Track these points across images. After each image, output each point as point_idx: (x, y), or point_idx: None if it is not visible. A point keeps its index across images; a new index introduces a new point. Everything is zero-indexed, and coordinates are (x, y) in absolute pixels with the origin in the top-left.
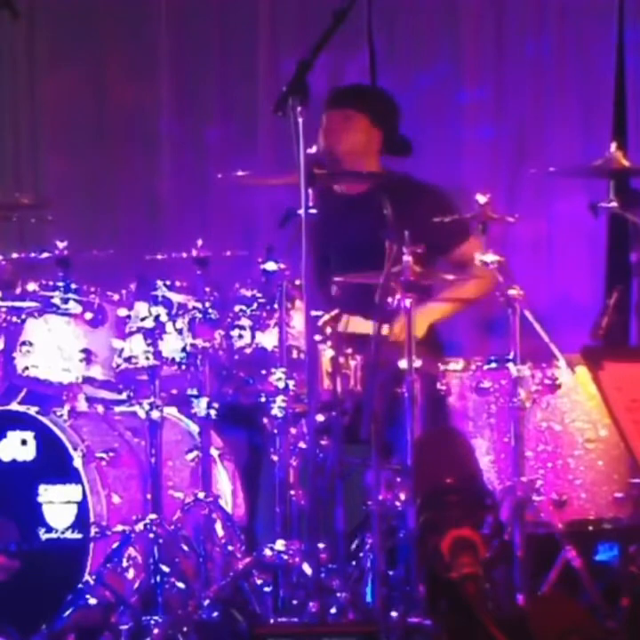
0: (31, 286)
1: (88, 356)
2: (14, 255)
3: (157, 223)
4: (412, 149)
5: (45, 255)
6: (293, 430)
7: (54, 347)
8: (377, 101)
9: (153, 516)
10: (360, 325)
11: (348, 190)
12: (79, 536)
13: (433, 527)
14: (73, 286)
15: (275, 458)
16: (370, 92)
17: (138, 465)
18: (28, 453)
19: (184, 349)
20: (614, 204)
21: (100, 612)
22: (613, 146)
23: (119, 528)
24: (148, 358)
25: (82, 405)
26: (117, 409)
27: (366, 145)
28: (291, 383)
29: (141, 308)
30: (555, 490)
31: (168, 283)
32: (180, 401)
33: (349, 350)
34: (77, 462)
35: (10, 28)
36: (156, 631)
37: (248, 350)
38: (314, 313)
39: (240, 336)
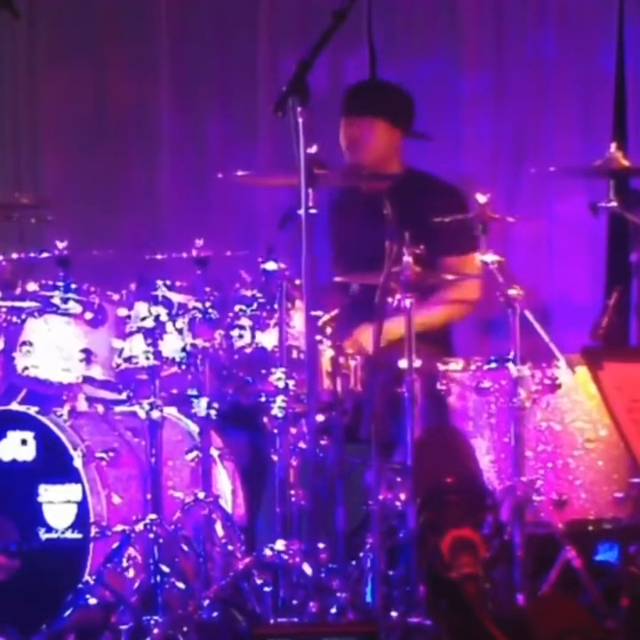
0: (31, 286)
1: (88, 356)
2: (14, 255)
3: (157, 223)
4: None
5: (45, 255)
6: (293, 430)
7: (54, 347)
8: (394, 102)
9: (153, 516)
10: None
11: (369, 189)
12: (79, 536)
13: (433, 527)
14: (73, 286)
15: (275, 458)
16: (386, 93)
17: (138, 465)
18: (28, 453)
19: (184, 349)
20: (614, 203)
21: (99, 612)
22: (613, 146)
23: (119, 528)
24: (148, 358)
25: (82, 405)
26: (117, 409)
27: (389, 147)
28: (291, 383)
29: (141, 307)
30: (555, 490)
31: (168, 283)
32: (180, 401)
33: (349, 350)
34: (77, 462)
35: (10, 28)
36: (155, 631)
37: (248, 350)
38: (314, 313)
39: (240, 336)
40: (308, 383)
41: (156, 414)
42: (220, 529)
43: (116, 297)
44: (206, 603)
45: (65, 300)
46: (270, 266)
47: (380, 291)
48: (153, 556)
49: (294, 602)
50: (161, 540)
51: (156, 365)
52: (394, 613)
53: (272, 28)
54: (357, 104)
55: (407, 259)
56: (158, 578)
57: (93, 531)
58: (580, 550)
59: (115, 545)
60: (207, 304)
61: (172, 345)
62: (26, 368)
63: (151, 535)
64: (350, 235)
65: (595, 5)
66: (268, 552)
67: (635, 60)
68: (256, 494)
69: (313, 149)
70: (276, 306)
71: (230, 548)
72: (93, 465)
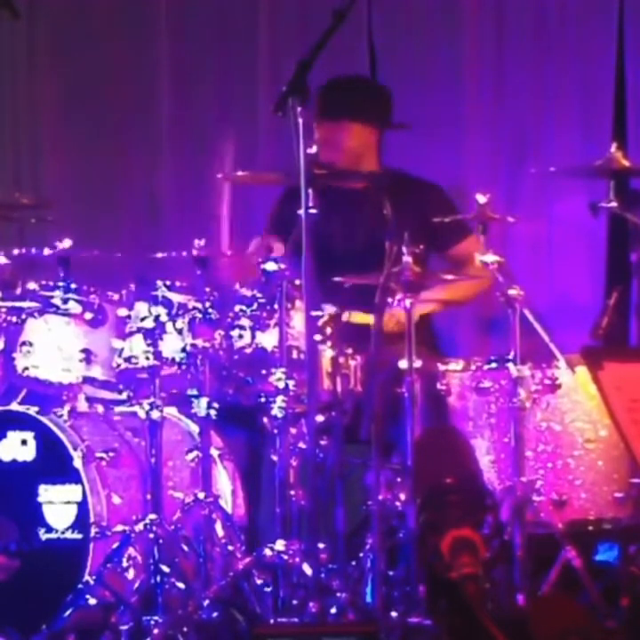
0: (31, 286)
1: (88, 356)
2: (15, 251)
3: (157, 223)
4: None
5: (47, 252)
6: (293, 430)
7: (54, 347)
8: (369, 101)
9: (153, 516)
10: (361, 317)
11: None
12: (79, 536)
13: (433, 527)
14: (73, 286)
15: (275, 458)
16: (360, 93)
17: (138, 465)
18: (28, 453)
19: (184, 349)
20: (614, 203)
21: (99, 612)
22: (613, 146)
23: (119, 528)
24: (148, 358)
25: (82, 405)
26: (117, 409)
27: (364, 147)
28: (291, 383)
29: (141, 307)
30: (555, 490)
31: (168, 283)
32: (180, 401)
33: (349, 350)
34: (77, 462)
35: (10, 27)
36: (155, 631)
37: (248, 350)
38: (314, 313)
39: (240, 336)
40: (308, 383)
41: (155, 414)
42: (219, 529)
43: (116, 297)
44: (206, 603)
45: (65, 300)
46: (270, 266)
47: (379, 291)
48: (153, 556)
49: (294, 602)
50: (161, 540)
51: (156, 365)
52: (394, 613)
53: (272, 28)
54: (330, 107)
55: (407, 259)
56: (158, 578)
57: (93, 531)
58: (580, 550)
59: (115, 545)
60: (207, 304)
61: (172, 345)
62: (26, 368)
63: (151, 535)
64: (331, 235)
65: (595, 5)
66: (268, 552)
67: (635, 59)
68: (256, 494)
69: (313, 149)
70: (276, 306)
71: (230, 548)
72: (93, 465)
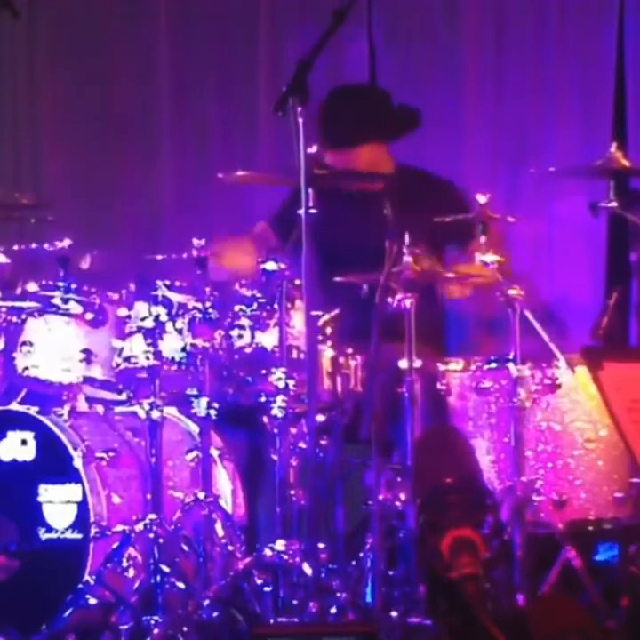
0: (31, 286)
1: (88, 356)
2: (15, 247)
3: (157, 223)
4: (420, 118)
5: (49, 248)
6: (293, 430)
7: (54, 347)
8: (375, 120)
9: (153, 516)
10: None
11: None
12: (79, 536)
13: (433, 527)
14: (73, 286)
15: (275, 458)
16: (365, 115)
17: (138, 465)
18: (28, 453)
19: (184, 349)
20: (614, 203)
21: (100, 612)
22: (613, 146)
23: (119, 528)
24: (148, 358)
25: (82, 405)
26: (117, 409)
27: (377, 162)
28: (291, 383)
29: (141, 307)
30: (555, 490)
31: (168, 283)
32: (180, 401)
33: (349, 350)
34: (77, 462)
35: (10, 28)
36: (155, 631)
37: (248, 350)
38: (314, 313)
39: (240, 336)
40: (308, 383)
41: (155, 414)
42: (220, 529)
43: (116, 297)
44: (206, 603)
45: (65, 301)
46: (270, 266)
47: (379, 291)
48: (153, 556)
49: (294, 602)
50: (161, 540)
51: (156, 365)
52: (394, 613)
53: (272, 28)
54: (338, 137)
55: (407, 259)
56: (158, 578)
57: (93, 531)
58: (579, 550)
59: (115, 545)
60: (207, 304)
61: (171, 345)
62: (26, 368)
63: (151, 535)
64: (344, 236)
65: (595, 5)
66: (267, 552)
67: (635, 59)
68: (256, 494)
69: (313, 149)
70: (275, 306)
71: (230, 548)
72: (93, 465)
